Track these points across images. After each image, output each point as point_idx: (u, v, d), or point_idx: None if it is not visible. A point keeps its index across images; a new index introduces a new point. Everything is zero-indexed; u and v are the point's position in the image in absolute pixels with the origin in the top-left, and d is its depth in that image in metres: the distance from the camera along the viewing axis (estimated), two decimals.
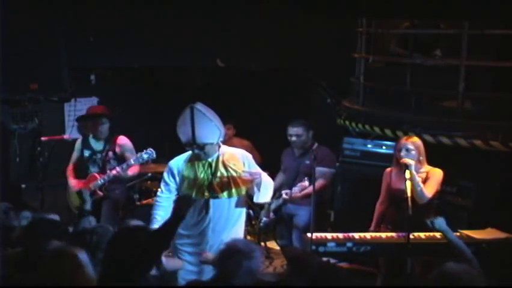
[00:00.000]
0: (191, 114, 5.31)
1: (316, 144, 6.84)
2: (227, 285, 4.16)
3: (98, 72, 8.32)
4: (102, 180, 6.61)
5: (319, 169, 6.64)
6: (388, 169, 5.98)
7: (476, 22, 6.44)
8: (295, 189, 6.55)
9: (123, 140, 6.79)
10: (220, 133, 5.42)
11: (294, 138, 6.79)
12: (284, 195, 6.68)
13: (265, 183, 5.57)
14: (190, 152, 5.52)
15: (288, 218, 6.95)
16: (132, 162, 6.51)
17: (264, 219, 7.04)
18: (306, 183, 6.32)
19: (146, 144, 6.94)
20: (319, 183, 6.68)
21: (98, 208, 6.69)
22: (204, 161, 5.48)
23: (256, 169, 5.62)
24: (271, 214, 6.96)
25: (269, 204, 6.89)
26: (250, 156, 5.70)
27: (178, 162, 5.57)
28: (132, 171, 6.68)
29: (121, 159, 6.73)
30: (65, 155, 7.10)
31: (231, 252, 4.20)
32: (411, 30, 7.20)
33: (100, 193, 6.66)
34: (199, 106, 5.36)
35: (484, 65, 6.56)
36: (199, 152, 5.40)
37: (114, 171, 6.56)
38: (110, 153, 6.74)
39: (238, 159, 5.55)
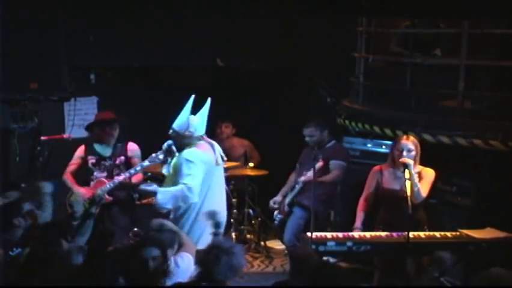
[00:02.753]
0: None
1: (333, 142, 6.98)
2: (214, 283, 4.24)
3: (98, 72, 8.30)
4: (109, 186, 6.55)
5: (333, 162, 6.90)
6: (377, 167, 5.98)
7: (476, 21, 6.44)
8: (304, 179, 6.79)
9: (134, 146, 6.81)
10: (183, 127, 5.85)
11: (307, 139, 7.04)
12: (303, 178, 6.84)
13: (167, 194, 5.75)
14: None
15: None
16: (138, 168, 6.46)
17: (279, 216, 7.11)
18: (308, 174, 6.58)
19: (146, 144, 6.92)
20: (334, 173, 6.91)
21: (106, 215, 6.65)
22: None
23: (183, 176, 5.72)
24: (286, 207, 7.03)
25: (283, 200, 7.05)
26: (186, 161, 5.77)
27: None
28: (136, 178, 6.65)
29: (129, 164, 6.71)
30: (65, 154, 7.10)
31: (210, 248, 4.35)
32: (411, 29, 7.20)
33: (109, 197, 6.59)
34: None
35: (484, 64, 6.56)
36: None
37: (121, 178, 6.51)
38: (122, 158, 6.73)
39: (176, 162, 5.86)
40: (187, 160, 5.73)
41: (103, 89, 8.42)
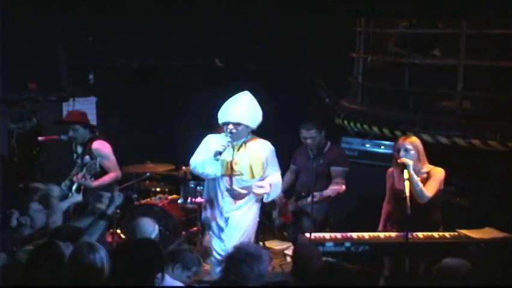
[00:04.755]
0: (243, 97, 5.97)
1: (329, 144, 6.77)
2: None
3: (97, 72, 8.32)
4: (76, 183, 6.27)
5: (334, 169, 6.58)
6: (390, 169, 5.96)
7: (474, 22, 6.45)
8: (328, 192, 6.39)
9: (96, 145, 6.44)
10: (257, 121, 5.90)
11: (309, 141, 6.74)
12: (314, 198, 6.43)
13: (275, 186, 5.90)
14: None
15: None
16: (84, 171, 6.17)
17: (279, 220, 7.04)
18: (343, 187, 6.29)
19: (145, 143, 6.96)
20: (340, 184, 6.51)
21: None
22: (232, 143, 5.86)
23: (275, 166, 5.95)
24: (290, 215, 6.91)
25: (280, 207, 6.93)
26: (272, 152, 5.98)
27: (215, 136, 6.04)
28: (98, 181, 6.31)
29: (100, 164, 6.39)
30: (63, 154, 7.10)
31: (242, 256, 4.14)
32: (409, 29, 7.20)
33: None
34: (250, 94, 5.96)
35: (483, 65, 6.56)
36: (231, 129, 5.81)
37: (76, 178, 6.23)
38: (87, 158, 6.38)
39: (261, 153, 5.89)
40: (272, 150, 5.95)
41: (101, 89, 8.42)
